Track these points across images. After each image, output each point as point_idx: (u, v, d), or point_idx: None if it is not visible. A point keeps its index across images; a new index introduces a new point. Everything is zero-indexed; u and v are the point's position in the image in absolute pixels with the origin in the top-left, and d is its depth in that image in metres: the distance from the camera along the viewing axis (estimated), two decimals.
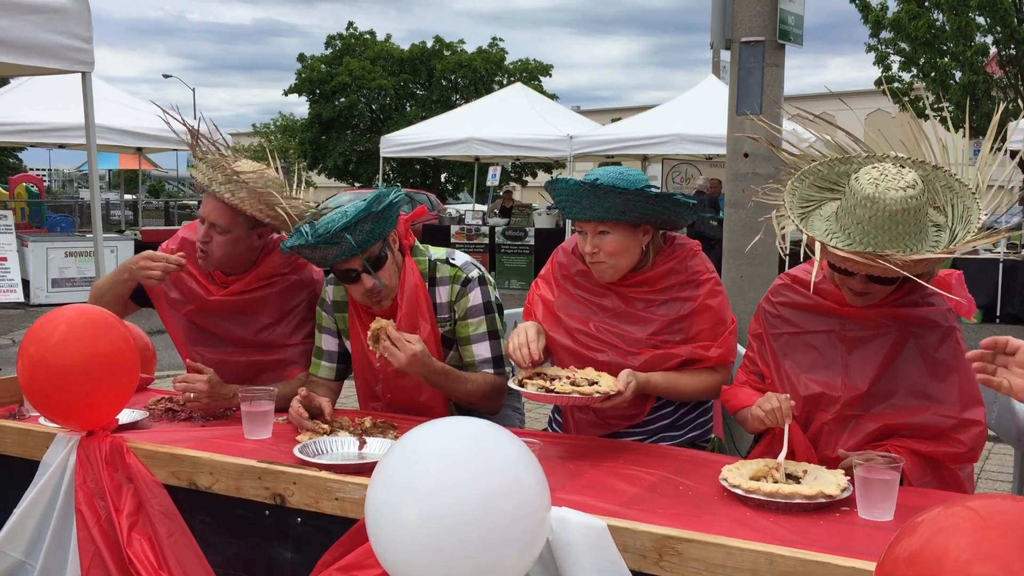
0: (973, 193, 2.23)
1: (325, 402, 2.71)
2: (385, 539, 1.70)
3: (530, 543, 1.74)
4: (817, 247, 2.14)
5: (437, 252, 2.96)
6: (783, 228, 2.24)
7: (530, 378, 2.48)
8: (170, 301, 3.10)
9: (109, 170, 26.99)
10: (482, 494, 1.65)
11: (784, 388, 2.44)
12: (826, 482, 2.07)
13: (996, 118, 2.25)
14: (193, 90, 44.53)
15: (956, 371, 2.30)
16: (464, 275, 2.89)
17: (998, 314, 11.89)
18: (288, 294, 3.08)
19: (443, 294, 2.90)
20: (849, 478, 2.08)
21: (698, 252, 2.74)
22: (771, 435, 2.41)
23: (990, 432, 3.21)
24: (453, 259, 2.93)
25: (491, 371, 2.88)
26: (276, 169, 3.03)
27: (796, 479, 2.14)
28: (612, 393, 2.41)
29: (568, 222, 12.79)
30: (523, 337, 2.59)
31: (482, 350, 2.88)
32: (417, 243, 2.96)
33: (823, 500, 2.00)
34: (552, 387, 2.40)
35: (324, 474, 2.19)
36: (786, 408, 2.26)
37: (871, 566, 1.66)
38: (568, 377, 2.50)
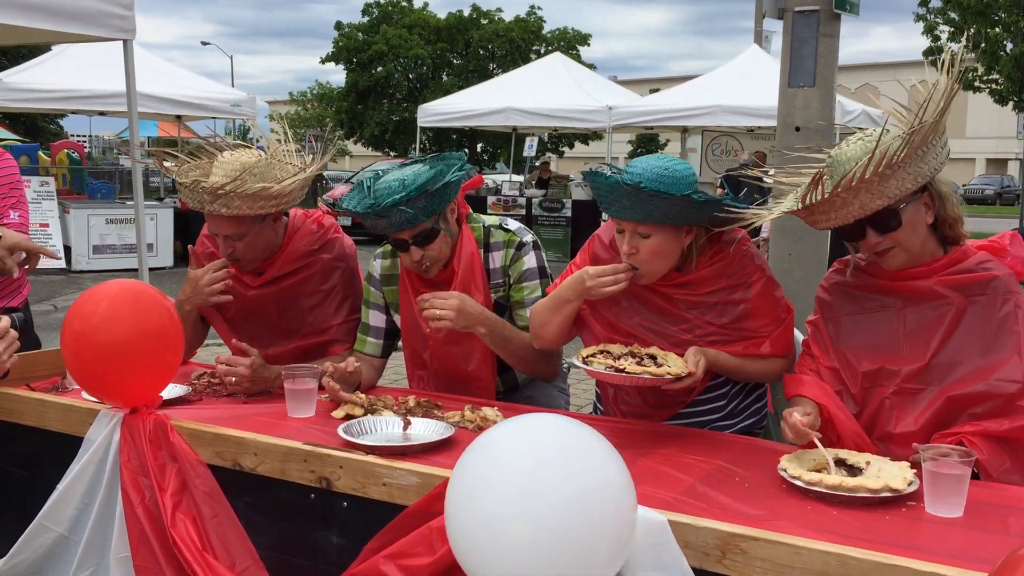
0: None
1: (351, 362, 2.66)
2: (469, 545, 1.65)
3: (619, 547, 1.68)
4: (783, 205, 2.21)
5: (490, 219, 2.94)
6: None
7: (593, 355, 2.37)
8: (216, 307, 3.04)
9: (148, 137, 27.16)
10: (571, 495, 1.59)
11: (842, 368, 2.38)
12: (891, 475, 2.00)
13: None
14: (231, 57, 44.61)
15: (1018, 334, 2.23)
16: (518, 239, 2.87)
17: None
18: (324, 275, 3.03)
19: (497, 259, 2.87)
20: (916, 471, 2.00)
21: (746, 248, 2.56)
22: (821, 419, 2.32)
23: None
24: (507, 224, 2.92)
25: None
26: (284, 140, 2.94)
27: (858, 470, 2.07)
28: (683, 375, 2.30)
29: None
30: (598, 269, 2.44)
31: None
32: (471, 211, 2.93)
33: (888, 494, 1.93)
34: (620, 366, 2.27)
35: (371, 458, 2.14)
36: (807, 421, 2.18)
37: (945, 570, 1.58)
38: (632, 353, 2.39)
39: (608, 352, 2.40)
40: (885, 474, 2.01)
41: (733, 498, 1.97)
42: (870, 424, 2.34)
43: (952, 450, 1.96)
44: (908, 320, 2.33)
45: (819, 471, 2.05)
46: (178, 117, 16.58)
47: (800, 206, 2.25)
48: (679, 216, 2.37)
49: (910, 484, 1.96)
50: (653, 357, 2.38)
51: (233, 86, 29.82)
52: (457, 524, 1.67)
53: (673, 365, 2.32)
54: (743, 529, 1.74)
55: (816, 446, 2.15)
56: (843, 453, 2.15)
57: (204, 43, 48.92)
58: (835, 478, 1.98)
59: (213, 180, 2.76)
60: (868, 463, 2.09)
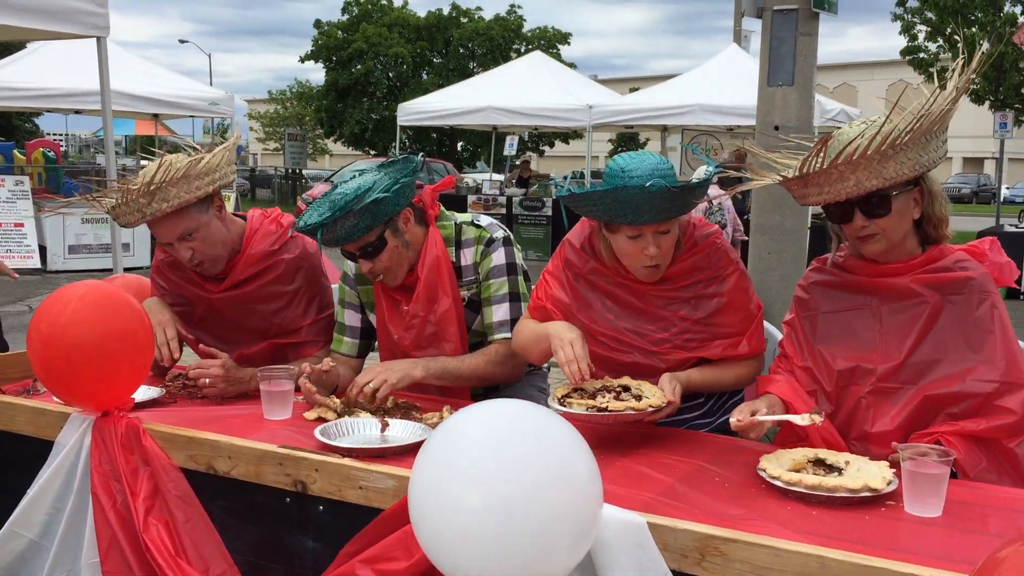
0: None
1: (327, 362, 2.65)
2: (430, 527, 1.64)
3: (582, 534, 1.67)
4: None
5: (462, 216, 2.92)
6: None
7: (568, 395, 2.34)
8: (179, 315, 2.99)
9: (126, 136, 26.93)
10: (532, 480, 1.58)
11: (816, 367, 2.38)
12: (871, 475, 1.99)
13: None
14: (209, 56, 44.26)
15: (994, 334, 2.23)
16: (488, 235, 2.86)
17: (1023, 291, 11.71)
18: (287, 276, 2.98)
19: (468, 256, 2.86)
20: (895, 470, 2.00)
21: (719, 241, 2.58)
22: (788, 425, 2.31)
23: None
24: (478, 221, 2.90)
25: (508, 334, 2.80)
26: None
27: (838, 470, 2.06)
28: (664, 405, 2.29)
29: None
30: (570, 351, 2.37)
31: (499, 312, 2.82)
32: (443, 210, 2.91)
33: (868, 494, 1.92)
34: (600, 404, 2.24)
35: (348, 461, 2.12)
36: (741, 420, 2.18)
37: (924, 571, 1.58)
38: (606, 387, 2.37)
39: (582, 390, 2.37)
40: (864, 474, 2.00)
41: (713, 498, 1.96)
42: (847, 423, 2.33)
43: (931, 449, 1.95)
44: (885, 318, 2.33)
45: (798, 471, 2.04)
46: (155, 115, 16.45)
47: (797, 174, 2.22)
48: (687, 206, 2.41)
49: (889, 484, 1.96)
50: (627, 388, 2.37)
51: (211, 84, 29.66)
52: (418, 507, 1.66)
53: (650, 395, 2.31)
54: (722, 531, 1.73)
55: (764, 421, 2.17)
56: (822, 453, 2.14)
57: (182, 41, 48.50)
58: (814, 478, 1.97)
59: (139, 183, 2.72)
60: (847, 462, 2.08)
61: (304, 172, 30.57)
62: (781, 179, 2.28)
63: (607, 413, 2.22)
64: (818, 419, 2.15)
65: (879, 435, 2.26)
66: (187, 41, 46.28)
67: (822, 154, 2.16)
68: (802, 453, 2.13)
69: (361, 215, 2.62)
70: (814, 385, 2.38)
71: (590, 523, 1.68)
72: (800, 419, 2.17)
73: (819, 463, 2.11)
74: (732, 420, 2.18)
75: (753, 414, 2.19)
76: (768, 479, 2.01)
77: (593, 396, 2.30)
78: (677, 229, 2.46)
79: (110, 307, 2.38)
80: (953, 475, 2.13)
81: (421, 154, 3.22)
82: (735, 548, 1.69)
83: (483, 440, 1.64)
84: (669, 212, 2.36)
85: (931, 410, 2.25)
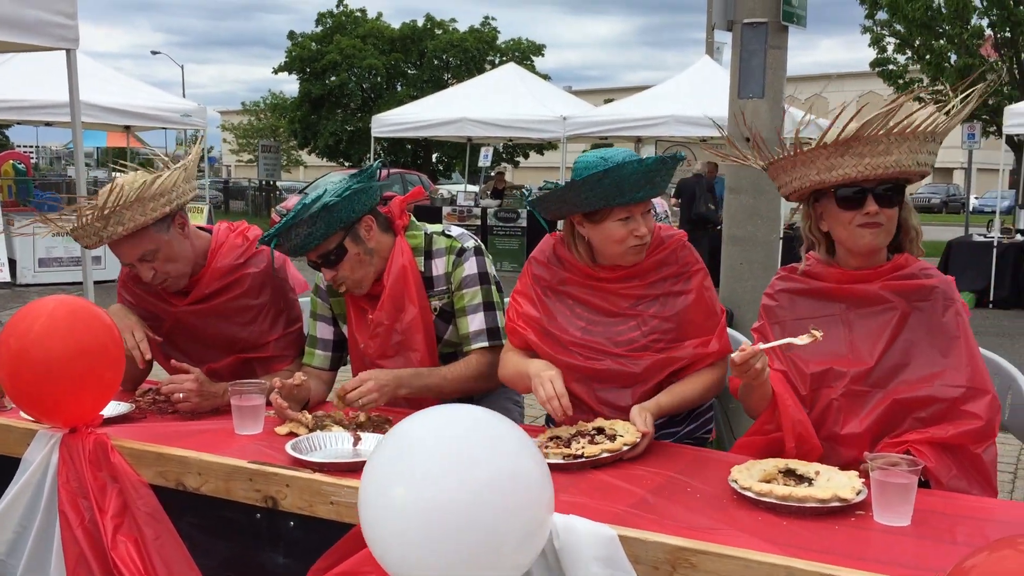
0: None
1: (298, 376, 2.66)
2: (377, 528, 1.65)
3: (530, 536, 1.68)
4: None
5: (432, 227, 2.94)
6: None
7: (544, 444, 2.34)
8: (148, 331, 2.96)
9: (97, 148, 26.73)
10: (477, 481, 1.60)
11: (790, 371, 2.40)
12: (840, 485, 2.01)
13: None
14: (182, 67, 43.99)
15: (960, 340, 2.28)
16: (459, 245, 2.86)
17: (991, 299, 11.88)
18: (254, 290, 2.97)
19: (440, 266, 2.86)
20: (864, 480, 2.02)
21: (686, 242, 2.67)
22: (769, 410, 2.35)
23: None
24: (449, 231, 2.91)
25: (485, 343, 2.81)
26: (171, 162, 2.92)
27: (808, 481, 2.08)
28: (638, 440, 2.31)
29: None
30: (550, 389, 2.43)
31: (475, 322, 2.82)
32: (413, 220, 2.92)
33: (837, 504, 1.94)
34: (576, 452, 2.26)
35: (318, 476, 2.11)
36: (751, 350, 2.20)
37: None
38: (580, 432, 2.38)
39: (558, 438, 2.38)
40: (834, 484, 2.02)
41: (684, 509, 1.97)
42: (817, 424, 2.36)
43: (900, 459, 1.98)
44: (854, 324, 2.36)
45: (769, 481, 2.06)
46: (127, 127, 16.35)
47: (851, 134, 2.20)
48: (665, 184, 2.55)
49: (858, 493, 1.97)
50: (601, 430, 2.39)
51: (184, 96, 29.49)
52: (366, 508, 1.68)
53: (624, 433, 2.33)
54: (692, 543, 1.74)
55: (763, 349, 2.21)
56: (793, 463, 2.16)
57: (154, 52, 48.17)
58: (785, 489, 1.99)
59: (94, 209, 2.69)
60: (818, 472, 2.10)
61: (278, 184, 30.46)
62: (814, 146, 2.25)
63: (584, 459, 2.24)
64: (818, 334, 2.16)
65: (848, 437, 2.29)
66: (159, 52, 46.06)
67: (890, 117, 2.16)
68: (773, 464, 2.15)
69: (313, 222, 2.64)
70: (789, 388, 2.40)
71: (539, 525, 1.70)
72: (801, 339, 2.17)
73: (790, 473, 2.13)
74: (734, 356, 2.19)
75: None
76: (739, 490, 2.03)
77: (568, 443, 2.31)
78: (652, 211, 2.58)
79: (80, 322, 2.37)
80: (926, 484, 2.16)
81: (379, 161, 3.22)
82: (705, 560, 1.71)
83: (430, 443, 1.66)
84: (658, 187, 2.50)
85: (899, 414, 2.28)
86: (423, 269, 2.85)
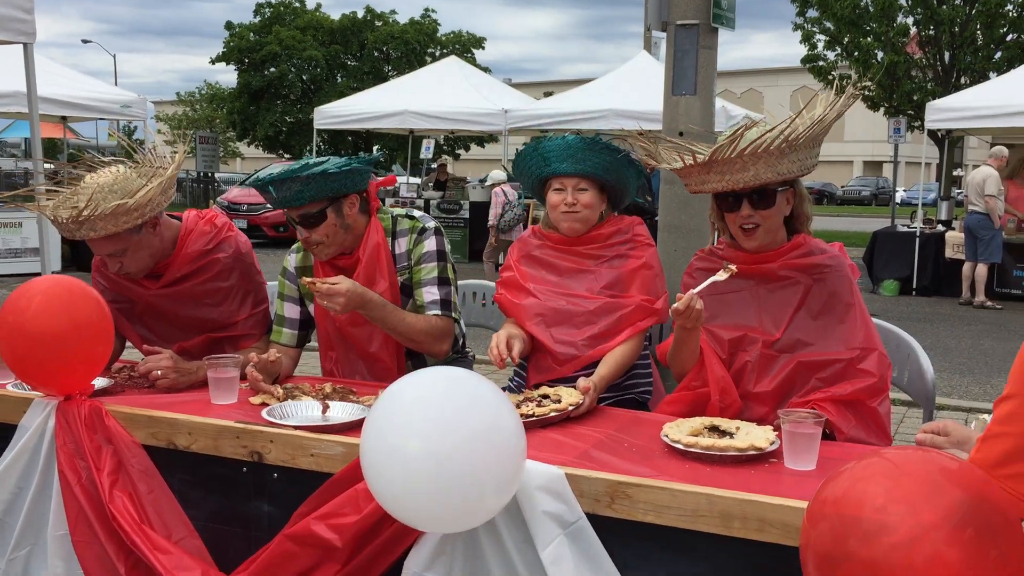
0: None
1: (272, 353, 2.88)
2: (379, 473, 1.89)
3: (508, 481, 1.94)
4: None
5: (398, 211, 3.22)
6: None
7: None
8: (120, 311, 3.12)
9: (25, 139, 26.17)
10: (466, 433, 1.85)
11: (711, 340, 2.72)
12: (756, 437, 2.29)
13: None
14: (114, 56, 43.20)
15: (854, 307, 2.64)
16: (421, 225, 3.15)
17: (914, 287, 12.39)
18: (222, 274, 3.15)
19: (403, 244, 3.13)
20: (777, 432, 2.30)
21: (643, 223, 3.12)
22: (696, 368, 2.70)
23: (905, 396, 3.56)
24: (412, 213, 3.20)
25: (438, 312, 3.07)
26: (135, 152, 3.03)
27: (730, 435, 2.36)
28: (582, 401, 2.60)
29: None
30: (494, 341, 2.83)
31: (431, 293, 3.09)
32: (383, 205, 3.19)
33: (754, 452, 2.21)
34: (531, 412, 2.52)
35: (300, 432, 2.34)
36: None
37: (794, 503, 1.89)
38: (528, 398, 2.65)
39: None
40: (751, 436, 2.30)
41: (622, 459, 2.21)
42: (734, 383, 2.68)
43: (807, 414, 2.27)
44: (763, 298, 2.71)
45: (696, 436, 2.33)
46: (63, 118, 16.04)
47: (706, 158, 2.55)
48: (614, 172, 3.01)
49: (772, 444, 2.25)
50: (546, 396, 2.68)
51: (116, 85, 28.92)
52: (368, 456, 1.91)
53: (568, 396, 2.62)
54: (628, 478, 2.02)
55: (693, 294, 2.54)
56: (716, 420, 2.44)
57: (85, 41, 47.25)
58: (708, 440, 2.26)
59: (71, 212, 2.80)
60: (738, 428, 2.39)
61: (216, 175, 30.13)
62: (686, 164, 2.61)
63: (536, 418, 2.50)
64: (733, 268, 2.58)
65: (759, 395, 2.64)
66: (90, 41, 45.16)
67: (736, 143, 2.49)
68: (699, 422, 2.42)
69: (307, 183, 2.88)
70: (713, 350, 2.71)
71: (515, 471, 1.96)
72: (720, 275, 2.58)
73: (714, 429, 2.40)
74: (676, 304, 2.53)
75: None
76: (670, 443, 2.29)
77: (519, 407, 2.56)
78: (593, 194, 3.02)
79: (74, 298, 2.56)
80: (832, 437, 2.48)
81: (380, 152, 3.52)
82: (639, 491, 1.99)
83: (424, 398, 1.91)
84: (581, 164, 2.96)
85: (803, 374, 2.62)
86: (391, 248, 3.10)
